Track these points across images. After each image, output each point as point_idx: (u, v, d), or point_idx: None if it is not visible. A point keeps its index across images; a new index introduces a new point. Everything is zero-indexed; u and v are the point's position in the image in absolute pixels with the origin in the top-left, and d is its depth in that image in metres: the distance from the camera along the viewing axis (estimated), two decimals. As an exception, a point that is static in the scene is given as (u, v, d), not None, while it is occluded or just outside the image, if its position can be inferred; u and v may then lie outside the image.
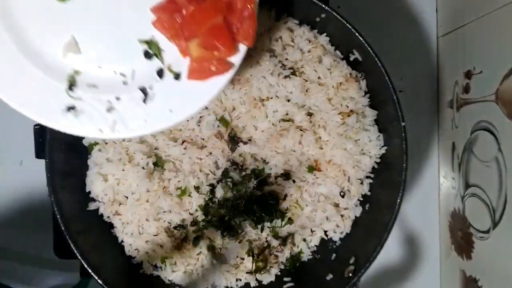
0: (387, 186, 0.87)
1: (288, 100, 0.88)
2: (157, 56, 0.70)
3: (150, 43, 0.69)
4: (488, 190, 0.89)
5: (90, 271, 0.84)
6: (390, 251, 1.06)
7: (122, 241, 0.92)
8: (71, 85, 0.69)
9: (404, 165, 0.83)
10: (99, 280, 0.84)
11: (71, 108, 0.69)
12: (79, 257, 0.84)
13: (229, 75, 0.69)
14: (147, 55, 0.70)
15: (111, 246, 0.92)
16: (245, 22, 0.66)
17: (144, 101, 0.70)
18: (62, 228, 0.83)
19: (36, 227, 1.05)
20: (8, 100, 0.69)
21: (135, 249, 0.92)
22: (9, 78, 0.68)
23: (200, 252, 0.91)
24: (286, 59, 0.89)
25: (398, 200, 0.83)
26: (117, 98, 0.70)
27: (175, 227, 0.91)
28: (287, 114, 0.88)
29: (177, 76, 0.70)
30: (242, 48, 0.69)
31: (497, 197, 0.85)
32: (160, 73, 0.70)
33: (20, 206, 1.05)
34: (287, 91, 0.88)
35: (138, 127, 0.70)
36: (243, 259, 0.92)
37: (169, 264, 0.91)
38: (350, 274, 0.86)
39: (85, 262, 0.84)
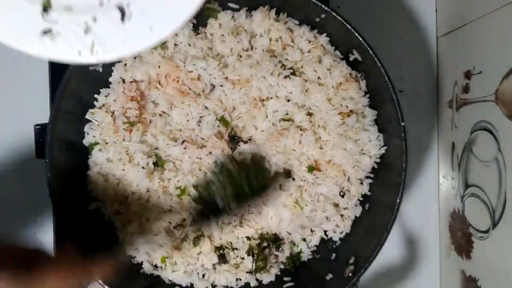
0: (387, 186, 0.87)
1: (288, 100, 0.88)
2: None
3: None
4: (487, 190, 0.89)
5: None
6: (390, 251, 1.06)
7: (122, 241, 0.92)
8: (46, 7, 0.66)
9: (404, 165, 0.83)
10: (99, 280, 0.84)
11: (47, 32, 0.66)
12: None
13: None
14: None
15: (111, 246, 0.92)
16: None
17: (122, 19, 0.67)
18: (62, 228, 0.83)
19: (36, 227, 1.05)
20: None
21: (135, 249, 0.92)
22: None
23: (200, 252, 0.91)
24: (286, 59, 0.89)
25: (398, 200, 0.83)
26: (94, 19, 0.67)
27: (175, 227, 0.91)
28: (287, 114, 0.89)
29: None
30: None
31: (496, 197, 0.85)
32: None
33: (20, 206, 1.05)
34: (287, 91, 0.88)
35: (117, 48, 0.68)
36: (243, 259, 0.92)
37: (169, 264, 0.91)
38: (350, 274, 0.86)
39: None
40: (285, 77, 0.87)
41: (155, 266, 0.92)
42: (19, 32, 0.67)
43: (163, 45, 0.88)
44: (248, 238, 0.91)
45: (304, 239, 0.94)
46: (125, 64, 0.90)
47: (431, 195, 1.11)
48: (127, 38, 0.68)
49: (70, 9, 0.67)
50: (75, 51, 0.67)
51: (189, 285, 0.92)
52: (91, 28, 0.67)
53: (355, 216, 0.92)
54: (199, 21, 0.89)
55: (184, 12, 0.68)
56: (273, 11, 0.89)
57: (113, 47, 0.68)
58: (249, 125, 0.89)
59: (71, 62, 0.69)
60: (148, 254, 0.92)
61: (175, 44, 0.89)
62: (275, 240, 0.92)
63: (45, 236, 1.01)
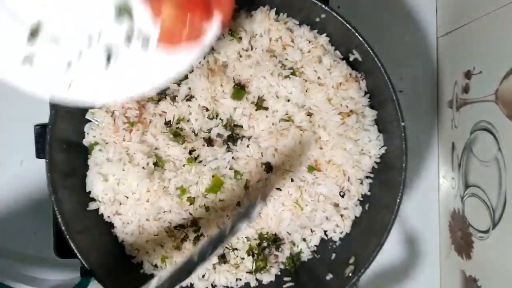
0: (387, 186, 0.87)
1: (288, 100, 0.88)
2: (129, 17, 0.64)
3: (124, 4, 0.64)
4: (487, 190, 0.89)
5: (90, 271, 0.84)
6: (390, 251, 1.06)
7: (122, 241, 0.92)
8: (33, 34, 0.64)
9: (404, 165, 0.83)
10: (99, 280, 0.84)
11: (28, 59, 0.64)
12: (79, 257, 0.84)
13: (197, 51, 0.65)
14: (118, 16, 0.64)
15: (111, 246, 0.92)
16: None
17: (107, 63, 0.65)
18: (62, 228, 0.83)
19: (36, 227, 1.05)
20: None
21: (135, 249, 0.92)
22: None
23: (200, 252, 0.91)
24: (286, 59, 0.89)
25: (398, 200, 0.83)
26: (79, 56, 0.64)
27: (175, 227, 0.91)
28: (287, 114, 0.89)
29: (145, 43, 0.65)
30: (216, 22, 0.65)
31: (496, 197, 0.85)
32: (128, 37, 0.65)
33: (20, 206, 1.05)
34: (287, 91, 0.88)
35: (94, 91, 0.66)
36: (243, 259, 0.92)
37: (169, 264, 0.91)
38: (350, 274, 0.86)
39: (85, 262, 0.84)
40: (285, 77, 0.87)
41: (155, 266, 0.92)
42: (1, 55, 0.63)
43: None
44: (248, 238, 0.91)
45: (304, 239, 0.94)
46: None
47: (431, 195, 1.11)
48: (107, 83, 0.66)
49: (57, 41, 0.64)
50: (51, 86, 0.65)
51: (189, 285, 0.92)
52: (73, 64, 0.65)
53: (355, 216, 0.92)
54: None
55: (165, 73, 0.67)
56: (273, 11, 0.89)
57: (91, 90, 0.66)
58: (249, 125, 0.89)
59: (44, 97, 0.65)
60: (148, 254, 0.92)
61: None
62: (275, 240, 0.92)
63: (45, 236, 1.01)
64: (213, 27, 0.65)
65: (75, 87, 0.65)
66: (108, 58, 0.65)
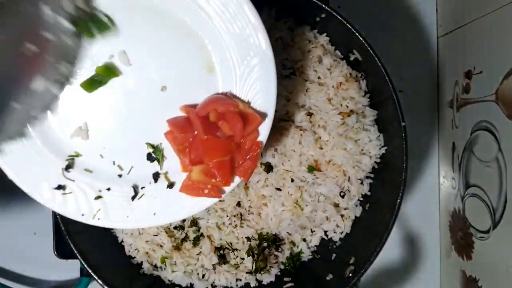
0: (387, 186, 0.87)
1: (288, 100, 0.88)
2: (158, 162, 0.72)
3: (156, 148, 0.72)
4: (488, 190, 0.89)
5: (90, 271, 0.84)
6: (390, 251, 1.06)
7: (122, 241, 0.92)
8: (69, 166, 0.71)
9: (404, 165, 0.83)
10: (99, 280, 0.84)
11: (61, 187, 0.71)
12: (79, 257, 0.84)
13: (216, 199, 0.72)
14: (150, 158, 0.72)
15: (111, 246, 0.92)
16: (247, 161, 0.71)
17: (133, 198, 0.72)
18: (62, 228, 0.83)
19: (36, 227, 1.05)
20: (4, 165, 0.69)
21: (135, 249, 0.92)
22: (14, 147, 0.69)
23: (200, 252, 0.91)
24: (286, 59, 0.89)
25: (398, 200, 0.83)
26: (108, 189, 0.72)
27: (175, 227, 0.91)
28: (287, 114, 0.88)
29: (170, 185, 0.72)
30: (236, 180, 0.72)
31: (497, 197, 0.85)
32: (155, 177, 0.72)
33: (20, 206, 1.05)
34: (287, 91, 0.88)
35: (119, 220, 0.72)
36: (243, 259, 0.92)
37: (169, 264, 0.91)
38: (350, 274, 0.86)
39: (85, 262, 0.84)
40: (285, 77, 0.87)
41: (155, 266, 0.92)
42: (35, 180, 0.70)
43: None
44: (248, 238, 0.91)
45: (304, 239, 0.94)
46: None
47: (431, 195, 1.11)
48: (131, 214, 0.72)
49: (90, 173, 0.71)
50: (79, 212, 0.71)
51: (189, 285, 0.92)
52: (102, 196, 0.72)
53: (355, 216, 0.92)
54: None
55: (186, 211, 0.73)
56: (273, 10, 0.89)
57: (115, 218, 0.72)
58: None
59: (71, 217, 0.72)
60: (148, 254, 0.92)
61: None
62: (275, 240, 0.92)
63: (45, 236, 1.00)
64: (232, 186, 0.72)
65: (100, 215, 0.72)
66: (135, 192, 0.72)
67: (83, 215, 0.71)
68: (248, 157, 0.71)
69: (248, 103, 0.70)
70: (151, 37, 0.69)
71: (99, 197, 0.71)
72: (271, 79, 0.69)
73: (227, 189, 0.72)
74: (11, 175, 0.69)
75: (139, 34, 0.68)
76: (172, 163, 0.72)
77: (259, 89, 0.69)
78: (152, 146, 0.72)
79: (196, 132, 0.70)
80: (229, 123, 0.69)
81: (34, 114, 0.68)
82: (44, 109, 0.69)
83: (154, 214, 0.72)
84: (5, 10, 0.55)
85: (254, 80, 0.69)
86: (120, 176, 0.72)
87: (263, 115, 0.70)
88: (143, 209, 0.72)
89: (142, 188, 0.72)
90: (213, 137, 0.69)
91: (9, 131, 0.66)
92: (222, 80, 0.70)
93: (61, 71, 0.67)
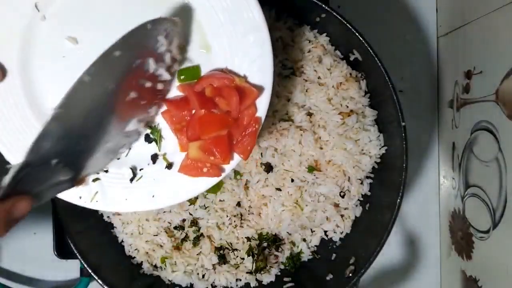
0: (387, 186, 0.87)
1: (288, 100, 0.88)
2: (156, 143, 0.71)
3: (153, 129, 0.71)
4: (488, 190, 0.89)
5: (90, 271, 0.84)
6: (390, 251, 1.06)
7: (122, 241, 0.92)
8: None
9: (404, 165, 0.83)
10: (99, 280, 0.84)
11: None
12: (79, 257, 0.84)
13: (217, 179, 0.71)
14: (147, 139, 0.72)
15: (111, 246, 0.92)
16: (246, 138, 0.70)
17: (131, 180, 0.71)
18: (62, 228, 0.83)
19: (36, 227, 1.05)
20: (3, 148, 0.69)
21: (135, 249, 0.92)
22: (12, 126, 0.69)
23: (200, 252, 0.91)
24: (286, 59, 0.89)
25: (398, 200, 0.83)
26: (106, 171, 0.71)
27: (175, 227, 0.91)
28: (287, 114, 0.88)
29: (169, 166, 0.72)
30: (236, 159, 0.71)
31: (497, 197, 0.85)
32: (154, 158, 0.72)
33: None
34: (287, 91, 0.88)
35: (117, 203, 0.71)
36: (243, 259, 0.92)
37: (169, 264, 0.91)
38: (350, 274, 0.86)
39: (85, 262, 0.84)
40: (285, 77, 0.87)
41: (155, 266, 0.92)
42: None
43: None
44: (248, 238, 0.91)
45: (304, 240, 0.94)
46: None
47: (431, 195, 1.11)
48: (129, 196, 0.71)
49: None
50: (77, 194, 0.70)
51: (189, 285, 0.92)
52: (100, 178, 0.71)
53: (355, 216, 0.92)
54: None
55: (185, 193, 0.71)
56: (273, 10, 0.89)
57: (114, 201, 0.71)
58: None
59: (69, 201, 0.71)
60: (148, 254, 0.92)
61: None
62: (275, 241, 0.92)
63: (45, 236, 1.00)
64: (231, 165, 0.71)
65: (98, 198, 0.71)
66: (134, 174, 0.71)
67: (80, 197, 0.70)
68: (246, 133, 0.69)
69: (245, 77, 0.68)
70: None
71: (96, 179, 0.70)
72: (267, 52, 0.68)
73: (227, 167, 0.70)
74: (10, 158, 0.69)
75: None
76: (170, 144, 0.71)
77: (255, 63, 0.68)
78: (150, 127, 0.71)
79: (193, 111, 0.69)
80: (225, 98, 0.67)
81: (121, 151, 0.71)
82: (129, 146, 0.71)
83: (153, 196, 0.71)
84: (116, 63, 0.61)
85: (250, 55, 0.68)
86: (118, 158, 0.71)
87: (261, 89, 0.68)
88: (142, 191, 0.71)
89: (140, 169, 0.71)
90: (209, 112, 0.68)
91: (95, 167, 0.69)
92: (219, 57, 0.69)
93: (151, 114, 0.70)
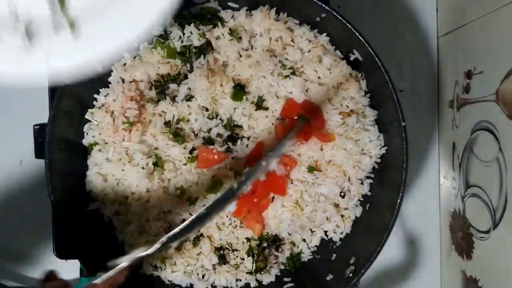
0: (387, 186, 0.87)
1: (288, 100, 0.88)
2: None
3: None
4: (488, 190, 0.89)
5: (90, 271, 0.84)
6: (391, 251, 1.06)
7: (122, 241, 0.92)
8: None
9: (404, 165, 0.82)
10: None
11: None
12: (79, 257, 0.84)
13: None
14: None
15: (111, 247, 0.92)
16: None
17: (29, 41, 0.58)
18: (62, 228, 0.83)
19: (36, 227, 1.05)
20: None
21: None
22: None
23: (200, 252, 0.91)
24: (286, 59, 0.89)
25: (398, 200, 0.83)
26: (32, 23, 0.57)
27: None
28: (287, 114, 0.88)
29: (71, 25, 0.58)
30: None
31: (497, 197, 0.85)
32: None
33: (20, 206, 1.05)
34: (287, 91, 0.88)
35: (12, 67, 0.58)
36: (243, 259, 0.92)
37: (169, 264, 0.91)
38: (351, 274, 0.86)
39: (85, 262, 0.84)
40: (285, 76, 0.87)
41: (155, 266, 0.92)
42: None
43: (163, 44, 0.88)
44: (248, 239, 0.91)
45: (304, 240, 0.93)
46: (124, 64, 0.89)
47: (431, 195, 1.10)
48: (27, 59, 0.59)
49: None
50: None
51: (189, 285, 0.92)
52: (33, 33, 0.59)
53: (356, 217, 0.92)
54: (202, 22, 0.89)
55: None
56: (273, 10, 0.89)
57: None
58: (249, 125, 0.88)
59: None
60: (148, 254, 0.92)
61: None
62: (275, 241, 0.92)
63: (45, 236, 1.00)
64: None
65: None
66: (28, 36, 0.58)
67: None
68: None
69: None
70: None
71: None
72: None
73: None
74: None
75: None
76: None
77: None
78: None
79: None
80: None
81: None
82: None
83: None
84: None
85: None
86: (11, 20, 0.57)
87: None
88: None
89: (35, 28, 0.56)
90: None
91: None
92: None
93: None
